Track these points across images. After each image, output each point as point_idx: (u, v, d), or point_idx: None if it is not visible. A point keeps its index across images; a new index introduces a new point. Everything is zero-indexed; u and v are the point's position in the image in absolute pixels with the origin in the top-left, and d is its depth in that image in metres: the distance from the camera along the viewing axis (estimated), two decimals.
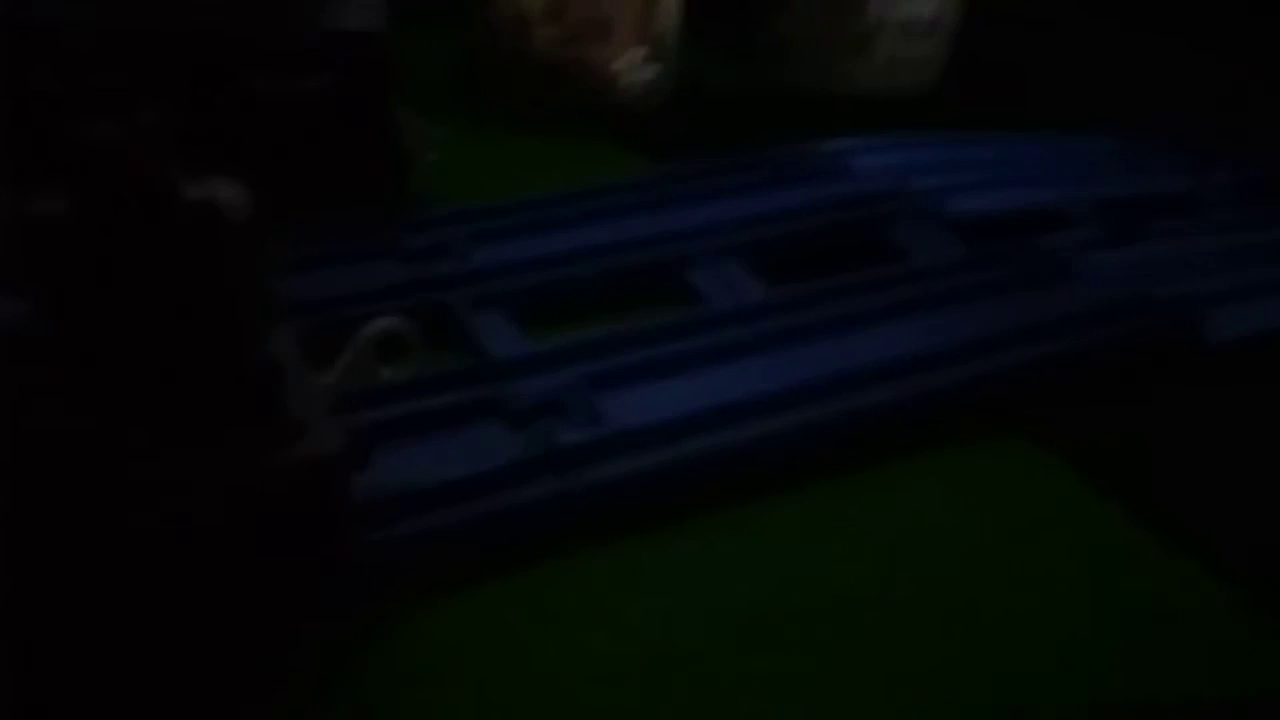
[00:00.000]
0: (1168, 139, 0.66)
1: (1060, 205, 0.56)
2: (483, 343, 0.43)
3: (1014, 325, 0.46)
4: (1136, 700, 0.31)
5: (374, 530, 0.33)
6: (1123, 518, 0.38)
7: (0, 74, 0.44)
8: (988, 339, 0.45)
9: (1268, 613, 0.35)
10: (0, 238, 0.25)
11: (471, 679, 0.31)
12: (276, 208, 0.28)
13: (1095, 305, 0.47)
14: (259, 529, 0.28)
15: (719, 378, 0.41)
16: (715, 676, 0.31)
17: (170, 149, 0.25)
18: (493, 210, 0.51)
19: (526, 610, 0.33)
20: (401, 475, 0.35)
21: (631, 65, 0.65)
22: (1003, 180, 0.59)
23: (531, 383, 0.40)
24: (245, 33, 0.48)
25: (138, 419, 0.26)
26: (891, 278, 0.49)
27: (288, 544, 0.29)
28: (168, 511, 0.26)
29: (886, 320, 0.46)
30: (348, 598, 0.32)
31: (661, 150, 0.62)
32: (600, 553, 0.35)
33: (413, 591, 0.33)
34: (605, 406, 0.39)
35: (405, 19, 0.48)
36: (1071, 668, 0.32)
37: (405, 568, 0.33)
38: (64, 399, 0.26)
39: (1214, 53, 0.86)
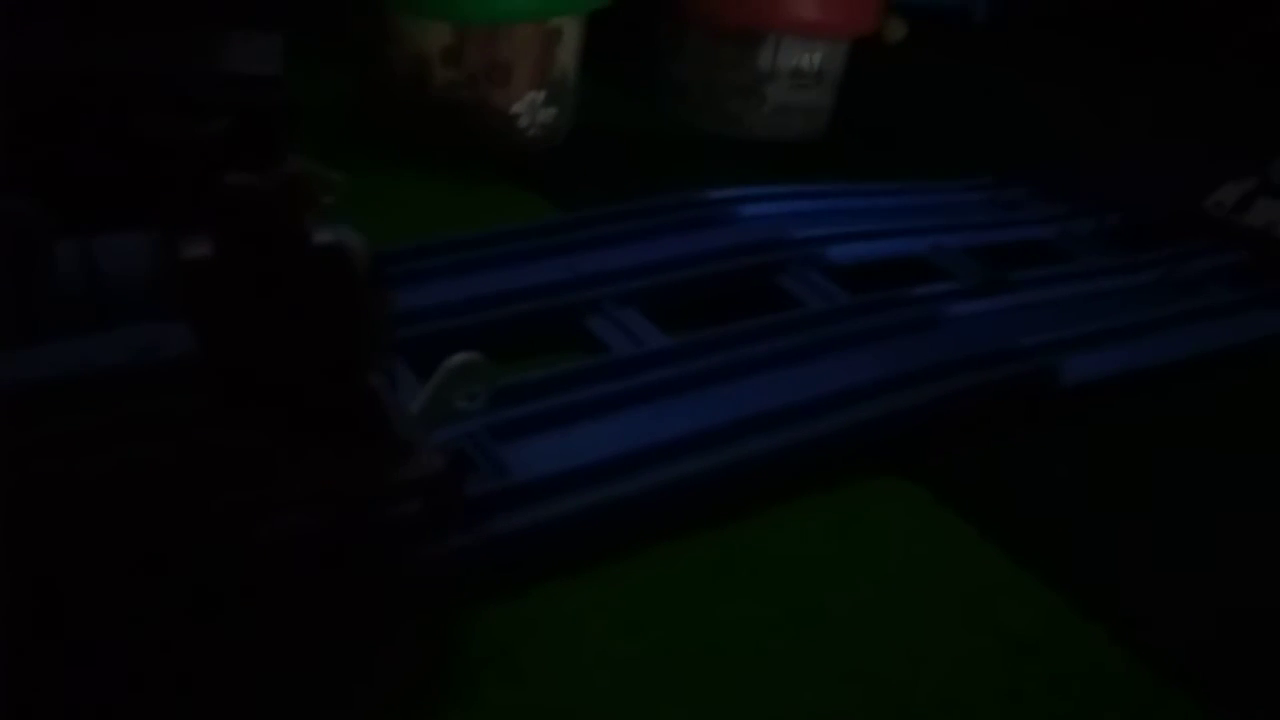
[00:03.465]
0: (1034, 188, 0.71)
1: (933, 254, 0.60)
2: None
3: (893, 372, 0.49)
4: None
5: None
6: (990, 546, 0.42)
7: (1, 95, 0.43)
8: (870, 385, 0.48)
9: (1123, 640, 0.38)
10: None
11: None
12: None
13: (963, 353, 0.51)
14: (376, 537, 0.31)
15: (619, 425, 0.43)
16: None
17: (307, 198, 0.28)
18: (387, 257, 0.52)
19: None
20: None
21: (531, 108, 0.67)
22: (879, 230, 0.62)
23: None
24: (139, 75, 0.47)
25: (277, 438, 0.29)
26: (780, 325, 0.51)
27: (394, 551, 0.32)
28: (310, 520, 0.29)
29: (778, 366, 0.48)
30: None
31: (558, 193, 0.64)
32: (503, 606, 0.36)
33: None
34: (508, 457, 0.40)
35: (300, 57, 0.49)
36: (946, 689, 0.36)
37: None
38: (218, 419, 0.28)
39: (1082, 104, 0.93)
